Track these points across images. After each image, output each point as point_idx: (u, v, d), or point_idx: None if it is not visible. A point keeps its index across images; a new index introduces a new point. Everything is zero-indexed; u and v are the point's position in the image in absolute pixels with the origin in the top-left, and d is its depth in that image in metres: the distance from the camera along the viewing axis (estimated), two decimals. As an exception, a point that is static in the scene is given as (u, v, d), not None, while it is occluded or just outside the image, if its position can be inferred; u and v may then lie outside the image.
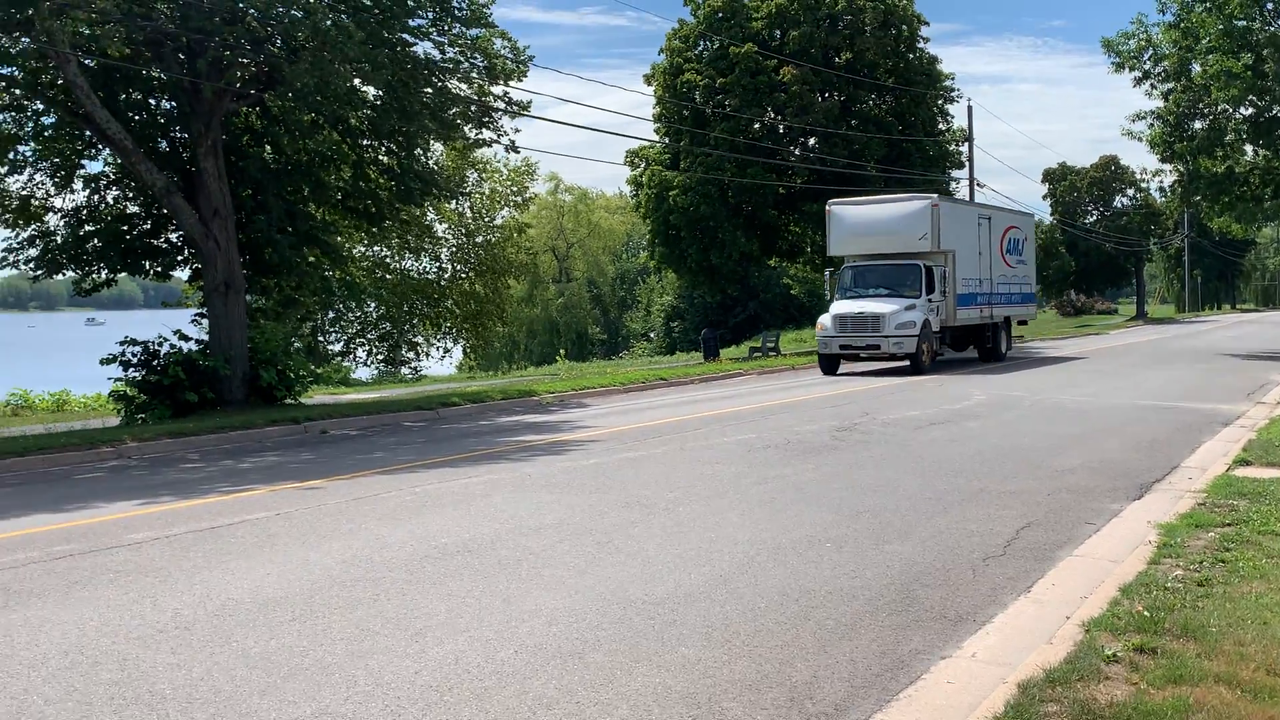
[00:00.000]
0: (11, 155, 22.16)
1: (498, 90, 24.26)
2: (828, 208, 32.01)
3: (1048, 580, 7.46)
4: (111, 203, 23.62)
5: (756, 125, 44.10)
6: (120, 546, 9.13)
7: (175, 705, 5.36)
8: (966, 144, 48.99)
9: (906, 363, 29.35)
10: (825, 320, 29.63)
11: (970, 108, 49.78)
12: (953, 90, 47.42)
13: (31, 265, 23.17)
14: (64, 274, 23.72)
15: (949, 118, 47.74)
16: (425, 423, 19.96)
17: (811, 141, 46.70)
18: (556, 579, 7.61)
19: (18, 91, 20.91)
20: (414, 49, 22.45)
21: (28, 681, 5.74)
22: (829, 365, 29.82)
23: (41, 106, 21.57)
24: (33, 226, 23.03)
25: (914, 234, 29.97)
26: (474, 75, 23.87)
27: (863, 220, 31.05)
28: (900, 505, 10.19)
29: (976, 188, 48.81)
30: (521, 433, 17.49)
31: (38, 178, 22.89)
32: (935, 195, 30.99)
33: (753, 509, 10.10)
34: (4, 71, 19.57)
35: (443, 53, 23.24)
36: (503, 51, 23.72)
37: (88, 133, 21.53)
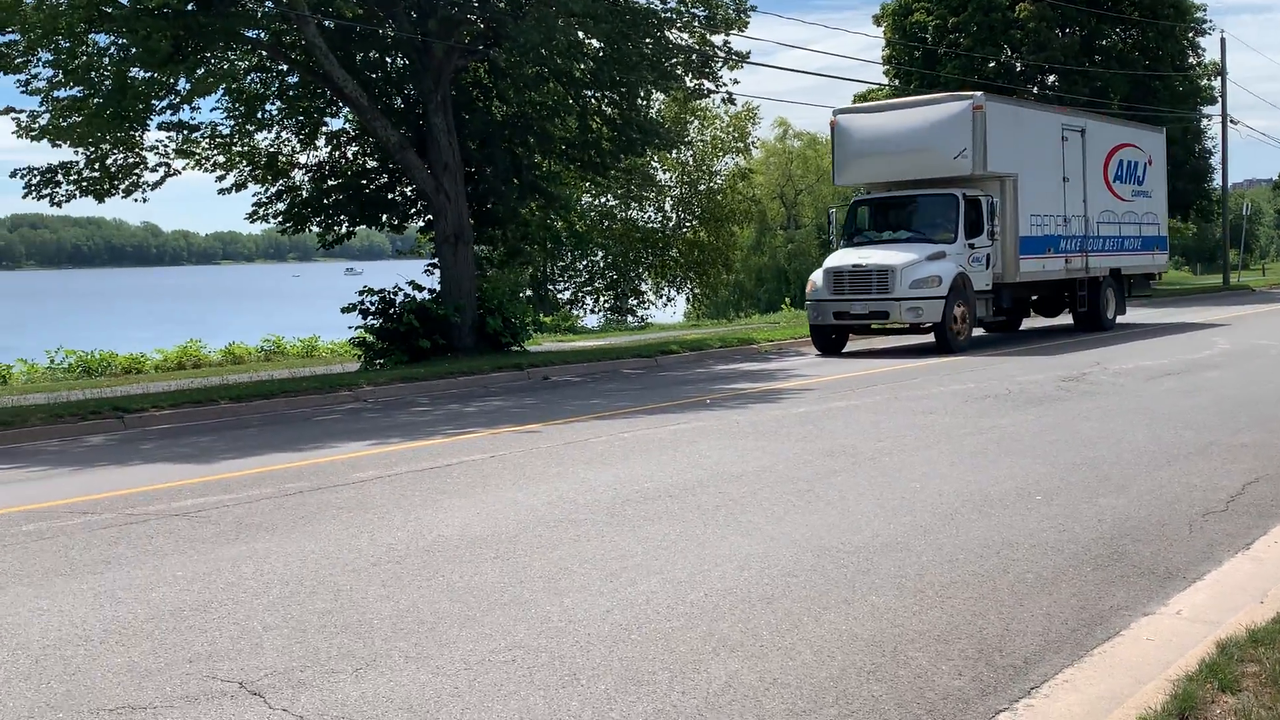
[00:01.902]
0: (259, 114, 23.49)
1: (717, 40, 24.23)
2: (832, 119, 23.56)
3: (1270, 537, 7.07)
4: (351, 158, 24.77)
5: (990, 64, 42.60)
6: (346, 484, 9.67)
7: (381, 634, 5.67)
8: (1219, 78, 46.12)
9: (931, 337, 21.20)
10: (816, 277, 21.54)
11: (1223, 40, 47.20)
12: (1204, 22, 44.75)
13: (280, 219, 24.56)
14: (309, 227, 25.03)
15: (1199, 51, 45.15)
16: (643, 370, 20.27)
17: (1050, 79, 44.89)
18: (753, 525, 7.67)
19: (263, 53, 22.07)
20: (634, 1, 22.62)
21: (250, 609, 6.17)
22: (824, 341, 21.76)
23: (285, 67, 22.73)
24: (280, 182, 24.38)
25: (947, 150, 21.63)
26: (695, 25, 23.90)
27: (877, 134, 22.64)
28: (1121, 458, 9.80)
29: (1230, 124, 45.96)
30: (735, 380, 17.56)
31: (284, 135, 24.24)
32: (979, 94, 22.45)
33: (963, 460, 9.90)
34: (250, 34, 20.66)
35: (663, 2, 23.38)
36: (724, 0, 23.63)
37: (328, 91, 22.57)
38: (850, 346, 22.28)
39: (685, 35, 24.02)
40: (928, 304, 20.34)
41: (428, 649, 5.44)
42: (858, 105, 24.54)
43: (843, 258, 21.36)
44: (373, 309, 22.42)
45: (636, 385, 17.52)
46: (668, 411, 13.88)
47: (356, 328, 22.79)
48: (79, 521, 8.57)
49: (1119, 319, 26.41)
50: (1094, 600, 5.99)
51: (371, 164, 24.58)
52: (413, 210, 24.74)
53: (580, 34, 21.76)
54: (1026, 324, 27.05)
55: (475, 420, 13.90)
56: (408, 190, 24.28)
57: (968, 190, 21.60)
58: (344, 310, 22.67)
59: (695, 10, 23.51)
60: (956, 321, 20.68)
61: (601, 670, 5.09)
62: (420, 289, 22.79)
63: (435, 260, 23.17)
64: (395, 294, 22.53)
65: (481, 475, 9.88)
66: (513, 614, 5.92)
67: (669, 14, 23.31)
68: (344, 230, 24.77)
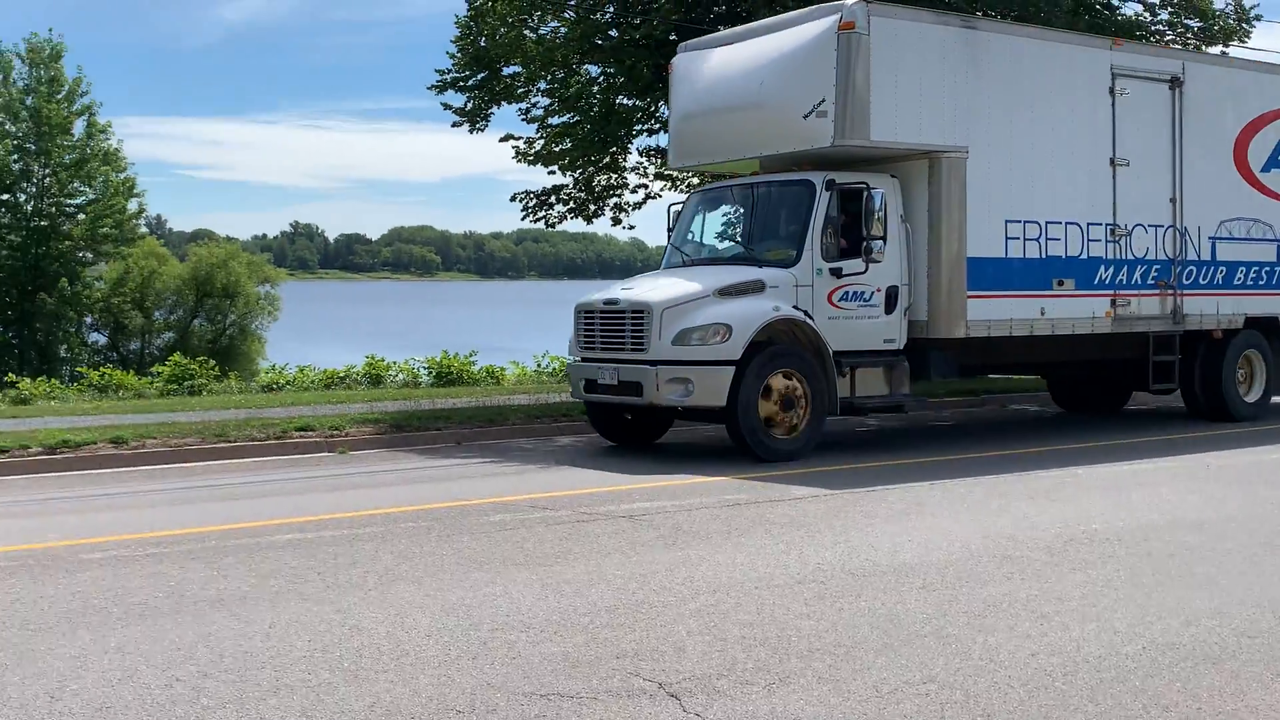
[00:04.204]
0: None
1: (1214, 51, 22.62)
2: (672, 63, 14.97)
3: None
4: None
5: None
6: (783, 501, 9.85)
7: (798, 653, 5.73)
8: None
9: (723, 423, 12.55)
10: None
11: None
12: None
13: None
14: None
15: None
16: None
17: None
18: (1208, 578, 7.07)
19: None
20: (1119, 13, 21.66)
21: (677, 613, 6.42)
22: (599, 422, 14.09)
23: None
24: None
25: (796, 105, 12.79)
26: (1188, 37, 22.54)
27: (717, 83, 13.94)
28: None
29: None
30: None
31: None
32: (853, 2, 12.52)
33: None
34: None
35: (1153, 15, 22.26)
36: (1224, 9, 22.15)
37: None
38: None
39: (1176, 46, 22.65)
40: (701, 374, 11.86)
41: (841, 672, 5.44)
42: (713, 36, 15.11)
43: (600, 291, 13.63)
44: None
45: (1097, 418, 16.59)
46: (1127, 449, 13.05)
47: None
48: (538, 516, 9.28)
49: (1274, 399, 16.32)
50: None
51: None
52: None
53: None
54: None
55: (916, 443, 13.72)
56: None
57: (840, 176, 12.80)
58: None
59: (1189, 21, 22.12)
60: (768, 409, 12.12)
61: (1016, 715, 4.89)
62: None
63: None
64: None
65: (918, 502, 9.75)
66: (932, 646, 5.81)
67: (1158, 26, 22.11)
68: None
